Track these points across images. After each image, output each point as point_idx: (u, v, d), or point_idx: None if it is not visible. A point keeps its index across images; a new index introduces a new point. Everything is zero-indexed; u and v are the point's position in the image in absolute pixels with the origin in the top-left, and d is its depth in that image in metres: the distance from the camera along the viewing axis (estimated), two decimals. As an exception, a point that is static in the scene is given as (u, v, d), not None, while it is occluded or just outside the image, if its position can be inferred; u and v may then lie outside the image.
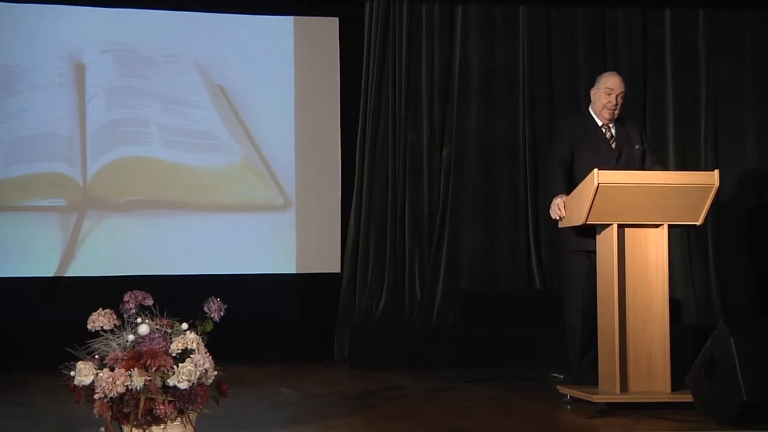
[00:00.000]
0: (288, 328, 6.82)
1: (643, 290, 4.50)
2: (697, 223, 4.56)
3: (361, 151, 6.92)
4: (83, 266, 6.59)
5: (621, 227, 4.47)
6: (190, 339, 3.26)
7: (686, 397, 4.27)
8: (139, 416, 3.14)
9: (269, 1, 7.01)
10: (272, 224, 6.91)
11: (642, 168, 4.83)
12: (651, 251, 4.52)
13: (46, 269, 6.56)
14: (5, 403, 4.83)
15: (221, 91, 6.89)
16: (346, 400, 5.05)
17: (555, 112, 7.13)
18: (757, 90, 7.31)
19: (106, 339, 3.29)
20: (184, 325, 3.34)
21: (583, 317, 4.71)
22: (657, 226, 4.52)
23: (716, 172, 4.47)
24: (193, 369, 3.17)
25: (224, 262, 6.77)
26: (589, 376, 4.65)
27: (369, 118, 6.92)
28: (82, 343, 3.29)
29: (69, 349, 3.25)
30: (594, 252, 4.62)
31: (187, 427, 3.23)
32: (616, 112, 4.85)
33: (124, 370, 3.14)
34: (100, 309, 3.34)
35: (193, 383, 3.17)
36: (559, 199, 4.65)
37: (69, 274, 6.58)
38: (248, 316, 6.32)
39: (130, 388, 3.12)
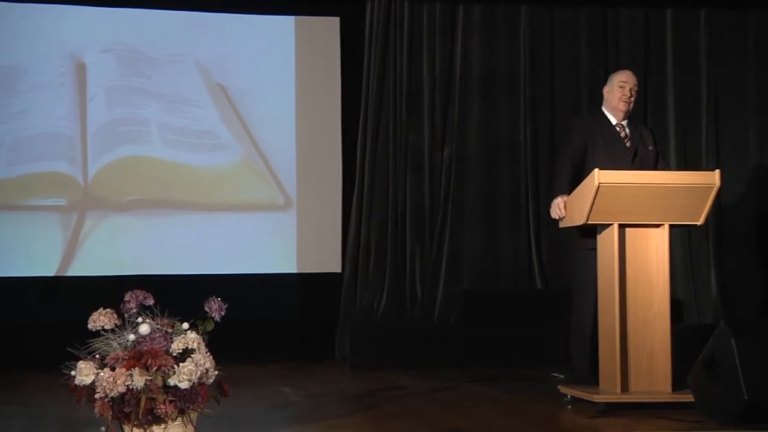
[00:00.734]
0: (289, 327, 6.82)
1: (644, 290, 4.49)
2: (698, 223, 4.55)
3: (362, 150, 6.92)
4: (84, 266, 6.60)
5: (622, 227, 4.47)
6: (191, 338, 3.25)
7: (687, 397, 4.27)
8: (140, 416, 3.13)
9: (270, 1, 7.01)
10: (273, 224, 6.91)
11: (655, 170, 4.79)
12: (652, 251, 4.51)
13: (47, 269, 6.56)
14: (5, 402, 4.83)
15: (222, 91, 6.89)
16: (347, 400, 5.05)
17: (556, 112, 7.14)
18: (758, 89, 7.31)
19: (107, 339, 3.28)
20: (185, 325, 3.33)
21: (594, 318, 4.68)
22: (658, 225, 4.51)
23: (717, 171, 4.46)
24: (193, 369, 3.17)
25: (225, 261, 6.77)
26: (592, 376, 4.64)
27: (370, 117, 6.91)
28: (82, 342, 3.28)
29: (70, 349, 3.24)
30: None
31: (188, 426, 3.23)
32: (631, 105, 4.84)
33: (124, 369, 3.13)
34: (101, 308, 3.33)
35: (194, 383, 3.17)
36: (559, 199, 4.65)
37: (70, 273, 6.58)
38: (249, 316, 6.31)
39: (130, 387, 3.12)
